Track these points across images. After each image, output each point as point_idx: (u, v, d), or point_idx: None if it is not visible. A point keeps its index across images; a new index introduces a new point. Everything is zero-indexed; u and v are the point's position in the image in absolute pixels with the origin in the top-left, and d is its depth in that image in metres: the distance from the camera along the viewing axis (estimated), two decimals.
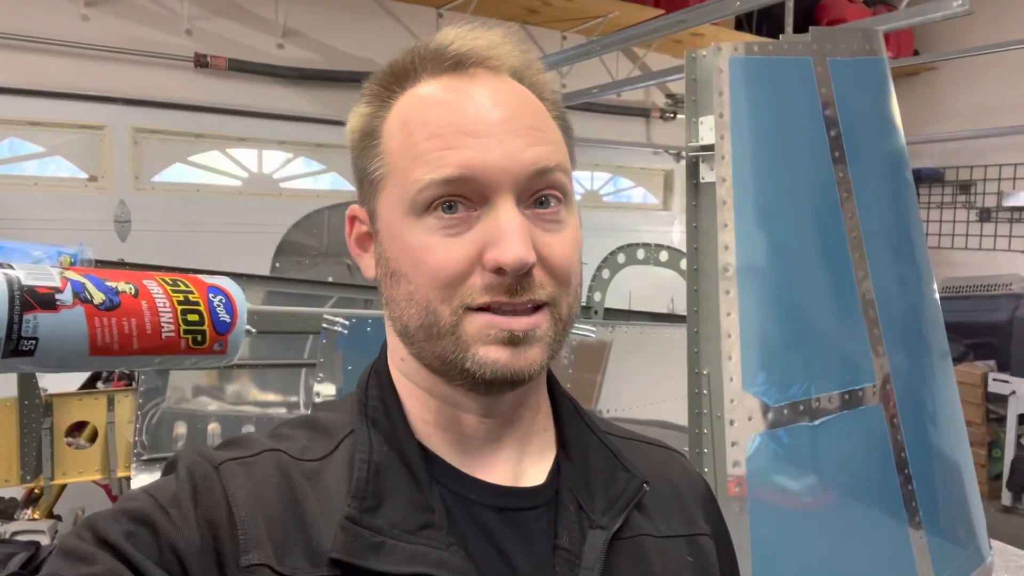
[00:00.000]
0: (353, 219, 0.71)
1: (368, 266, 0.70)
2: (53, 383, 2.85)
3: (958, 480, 1.70)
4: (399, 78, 0.66)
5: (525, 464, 0.69)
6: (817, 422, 1.34)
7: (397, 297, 0.64)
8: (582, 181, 6.78)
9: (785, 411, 1.31)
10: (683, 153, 1.32)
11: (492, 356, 0.60)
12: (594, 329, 2.25)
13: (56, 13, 4.49)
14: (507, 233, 0.59)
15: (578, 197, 6.22)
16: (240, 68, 4.98)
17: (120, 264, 3.32)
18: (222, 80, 4.99)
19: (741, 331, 1.27)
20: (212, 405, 3.08)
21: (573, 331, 2.35)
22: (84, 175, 4.80)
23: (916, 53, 7.19)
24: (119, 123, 4.78)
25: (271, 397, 3.44)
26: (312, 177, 5.60)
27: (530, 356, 0.61)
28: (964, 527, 1.70)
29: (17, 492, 2.90)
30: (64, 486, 2.86)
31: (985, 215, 7.10)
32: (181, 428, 2.90)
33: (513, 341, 0.60)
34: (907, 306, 1.60)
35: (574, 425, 0.73)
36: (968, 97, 7.15)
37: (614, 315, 3.26)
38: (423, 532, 0.60)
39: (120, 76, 4.71)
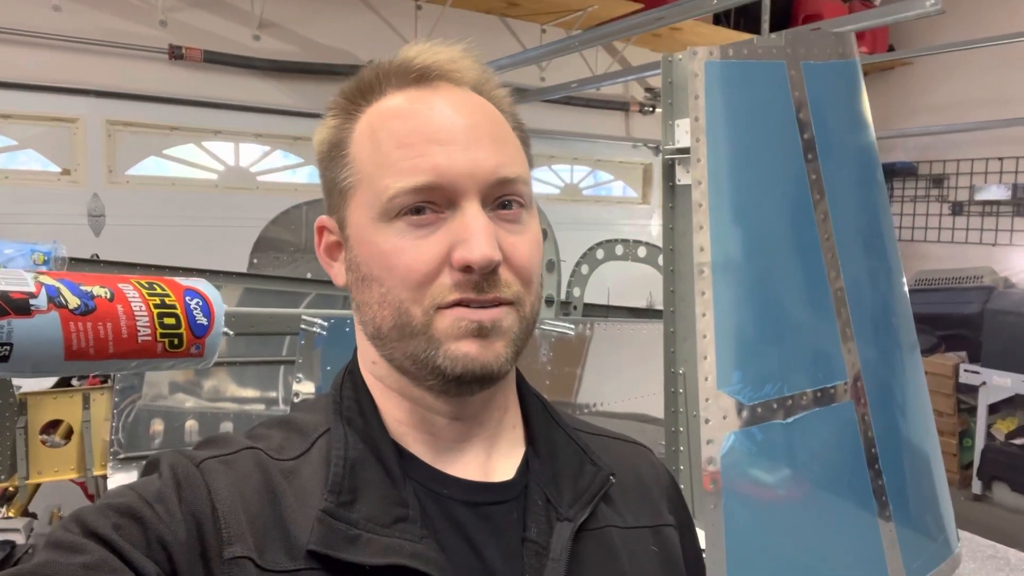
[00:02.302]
0: (322, 229, 0.73)
1: (339, 274, 0.73)
2: (27, 381, 2.81)
3: (927, 473, 1.74)
4: (364, 92, 0.70)
5: (495, 460, 0.72)
6: (790, 420, 1.37)
7: (369, 300, 0.67)
8: (561, 175, 6.79)
9: (759, 409, 1.33)
10: (662, 148, 1.33)
11: (463, 350, 0.63)
12: (572, 327, 2.27)
13: (27, 3, 4.41)
14: (474, 233, 0.62)
15: (557, 191, 6.20)
16: (215, 60, 4.92)
17: (95, 262, 3.28)
18: (197, 72, 4.93)
19: (716, 331, 1.29)
20: (189, 402, 3.06)
21: (551, 328, 2.36)
22: (57, 168, 4.72)
23: (891, 49, 7.27)
24: (92, 116, 4.71)
25: (249, 394, 3.42)
26: (290, 171, 5.56)
27: (497, 349, 0.64)
28: (933, 519, 1.74)
29: None
30: (39, 484, 2.84)
31: (957, 209, 7.22)
32: (158, 425, 2.88)
33: (481, 333, 0.63)
34: (878, 303, 1.63)
35: (542, 422, 0.76)
36: (941, 92, 7.26)
37: (593, 310, 3.28)
38: (397, 525, 0.62)
39: (93, 68, 4.63)
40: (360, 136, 0.68)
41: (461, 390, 0.66)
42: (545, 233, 2.43)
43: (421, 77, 0.68)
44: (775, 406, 1.35)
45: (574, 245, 3.48)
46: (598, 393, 2.78)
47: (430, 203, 0.63)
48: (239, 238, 4.32)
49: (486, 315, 0.63)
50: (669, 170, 1.32)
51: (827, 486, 1.46)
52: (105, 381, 2.90)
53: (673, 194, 1.32)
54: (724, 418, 1.30)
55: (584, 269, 3.19)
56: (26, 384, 2.84)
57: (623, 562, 0.70)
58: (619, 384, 2.79)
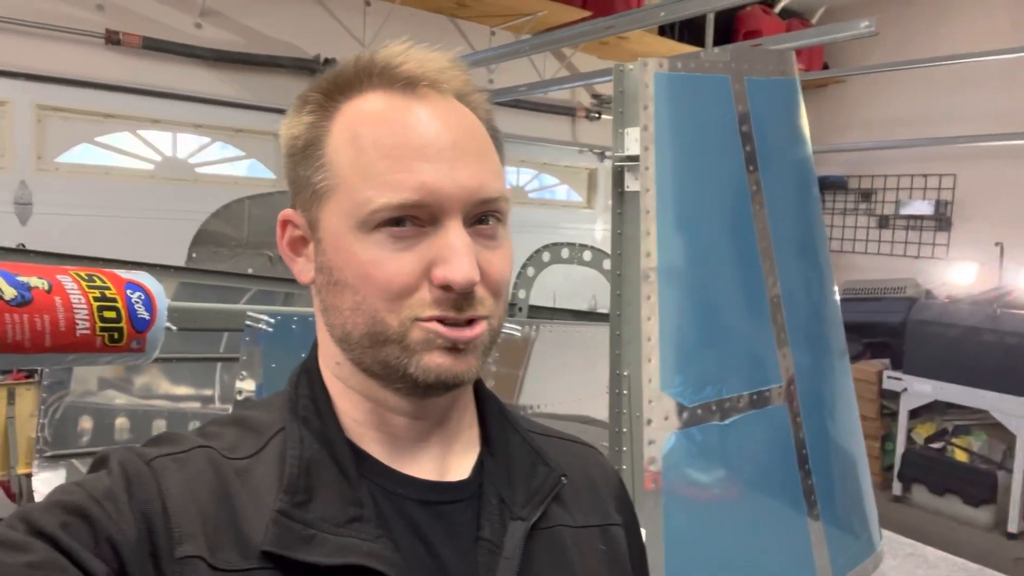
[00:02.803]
0: (286, 223, 0.72)
1: (303, 271, 0.71)
2: None
3: (853, 474, 1.82)
4: (343, 89, 0.68)
5: (450, 460, 0.72)
6: (727, 421, 1.42)
7: (340, 306, 0.66)
8: (508, 177, 6.83)
9: (699, 411, 1.38)
10: (607, 153, 1.36)
11: (436, 361, 0.64)
12: (519, 328, 2.29)
13: None
14: (456, 252, 0.62)
15: None
16: (155, 47, 4.77)
17: (22, 251, 3.14)
18: (135, 58, 4.77)
19: (660, 334, 1.33)
20: (120, 399, 2.96)
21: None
22: None
23: (826, 67, 7.56)
24: (21, 99, 4.51)
25: (183, 391, 3.33)
26: (230, 163, 5.43)
27: (469, 362, 0.65)
28: (858, 518, 1.82)
29: None
30: None
31: (884, 222, 7.55)
32: (87, 423, 2.78)
33: (455, 350, 0.64)
34: (811, 310, 1.70)
35: (497, 423, 0.77)
36: (871, 110, 7.58)
37: (538, 312, 3.31)
38: (352, 525, 0.62)
39: (24, 50, 4.44)
40: (338, 137, 0.66)
41: (428, 393, 0.66)
42: None
43: (408, 84, 0.66)
44: (714, 408, 1.40)
45: (519, 248, 3.50)
46: (541, 394, 2.81)
47: (412, 217, 0.63)
48: (176, 231, 4.20)
49: (462, 336, 0.64)
50: (619, 177, 1.35)
51: (760, 486, 1.52)
52: (31, 376, 2.79)
53: (622, 200, 1.35)
54: (666, 419, 1.33)
55: (530, 271, 3.22)
56: None
57: (573, 560, 0.72)
58: (562, 386, 2.83)
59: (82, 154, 4.83)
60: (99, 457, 0.65)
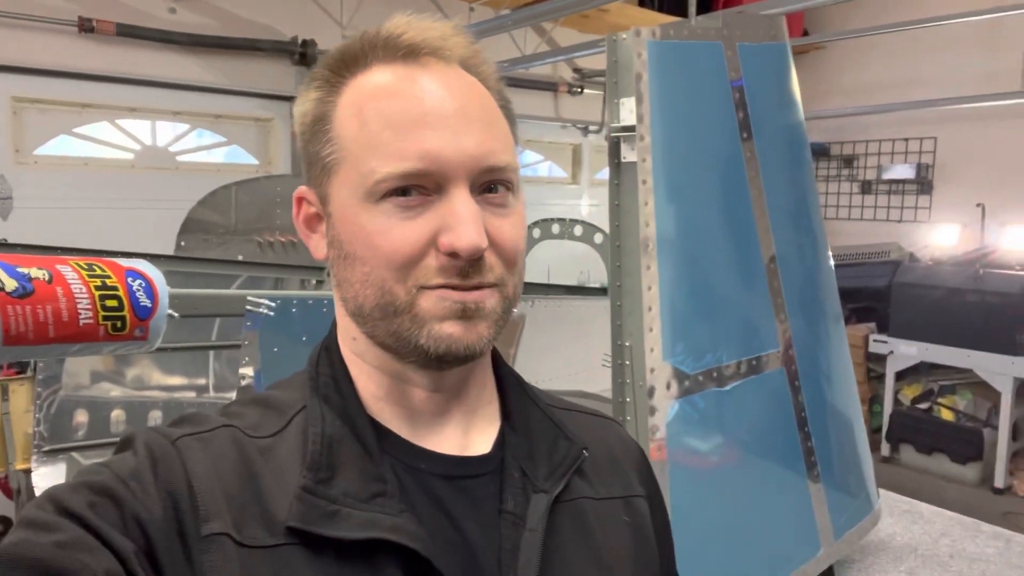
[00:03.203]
0: (301, 200, 0.72)
1: (318, 247, 0.71)
2: None
3: (850, 435, 1.85)
4: (349, 64, 0.67)
5: (472, 435, 0.73)
6: (728, 387, 1.43)
7: (351, 279, 0.66)
8: None
9: (700, 378, 1.39)
10: (590, 128, 1.36)
11: (446, 331, 0.64)
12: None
13: None
14: (462, 219, 0.62)
15: None
16: (129, 33, 4.68)
17: (3, 244, 3.10)
18: (110, 46, 4.68)
19: (661, 304, 1.34)
20: (115, 391, 2.94)
21: None
22: None
23: (805, 33, 7.55)
24: None
25: (177, 380, 3.31)
26: (210, 150, 5.36)
27: (479, 330, 0.65)
28: (856, 478, 1.86)
29: None
30: None
31: (866, 187, 7.60)
32: (82, 416, 2.77)
33: (465, 314, 0.64)
34: (806, 275, 1.72)
35: (518, 398, 0.77)
36: (852, 76, 7.59)
37: (532, 289, 3.32)
38: (376, 500, 0.63)
39: None
40: (344, 111, 0.66)
41: (442, 366, 0.66)
42: None
43: (409, 53, 0.66)
44: (714, 375, 1.41)
45: None
46: (535, 370, 2.83)
47: (417, 186, 0.63)
48: (160, 221, 4.15)
49: (470, 296, 0.63)
50: (615, 148, 1.35)
51: (762, 450, 1.54)
52: (23, 371, 2.76)
53: (619, 171, 1.36)
54: (668, 387, 1.35)
55: None
56: None
57: (596, 532, 0.73)
58: (556, 361, 2.84)
59: (60, 146, 4.75)
60: (125, 438, 0.65)
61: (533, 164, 7.21)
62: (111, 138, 4.92)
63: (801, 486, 1.60)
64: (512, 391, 0.77)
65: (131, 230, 4.52)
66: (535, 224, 3.21)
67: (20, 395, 2.59)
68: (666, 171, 1.35)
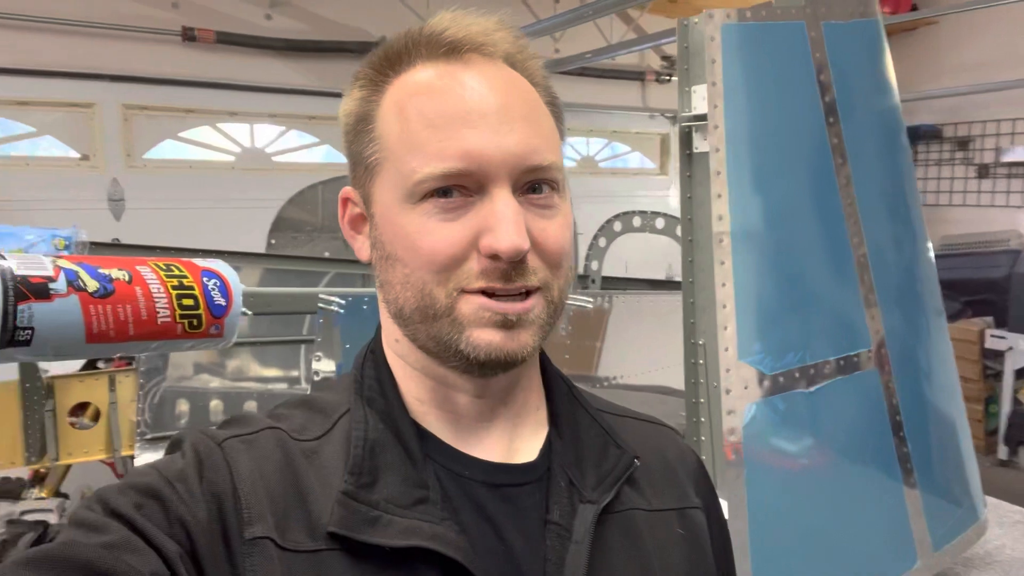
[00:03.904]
0: (346, 201, 0.71)
1: (362, 248, 0.71)
2: (54, 364, 2.86)
3: (953, 439, 1.72)
4: (393, 63, 0.66)
5: (517, 441, 0.70)
6: (813, 389, 1.35)
7: (392, 280, 0.65)
8: (577, 147, 6.73)
9: (781, 379, 1.32)
10: (678, 115, 1.31)
11: (486, 338, 0.62)
12: (591, 300, 2.25)
13: None
14: (503, 220, 0.60)
15: (573, 164, 6.15)
16: (228, 41, 4.91)
17: (115, 247, 3.31)
18: (210, 53, 4.93)
19: (736, 301, 1.27)
20: (213, 382, 3.10)
21: (570, 301, 2.35)
22: (76, 154, 4.76)
23: (914, 8, 7.08)
24: (108, 100, 4.73)
25: (272, 373, 3.46)
26: (305, 150, 5.56)
27: (523, 339, 0.63)
28: (959, 486, 1.72)
29: (23, 472, 2.94)
30: (69, 466, 2.89)
31: (983, 171, 7.06)
32: (183, 406, 2.93)
33: (506, 324, 0.62)
34: (902, 269, 1.60)
35: (566, 403, 0.74)
36: (967, 52, 7.06)
37: (613, 283, 3.26)
38: (417, 507, 0.62)
39: (108, 52, 4.65)
40: (387, 111, 0.65)
41: (484, 372, 0.65)
42: None
43: (452, 50, 0.64)
44: (797, 375, 1.34)
45: (589, 218, 3.45)
46: (618, 366, 2.78)
47: (459, 186, 0.61)
48: (257, 219, 4.34)
49: (512, 308, 0.61)
50: (686, 138, 1.30)
51: (851, 454, 1.45)
52: (130, 363, 2.95)
53: (690, 162, 1.30)
54: (745, 388, 1.28)
55: (602, 242, 3.17)
56: (52, 368, 2.89)
57: (647, 545, 0.69)
58: (639, 357, 2.78)
59: (167, 149, 5.04)
60: (174, 440, 0.66)
61: (621, 155, 7.10)
62: (213, 141, 5.19)
63: (896, 494, 1.49)
64: (560, 396, 0.74)
65: (231, 228, 4.75)
66: (616, 217, 3.15)
67: (126, 386, 2.76)
68: (742, 160, 1.28)
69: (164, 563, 0.54)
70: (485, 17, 0.67)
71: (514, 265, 0.61)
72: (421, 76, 0.65)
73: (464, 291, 0.62)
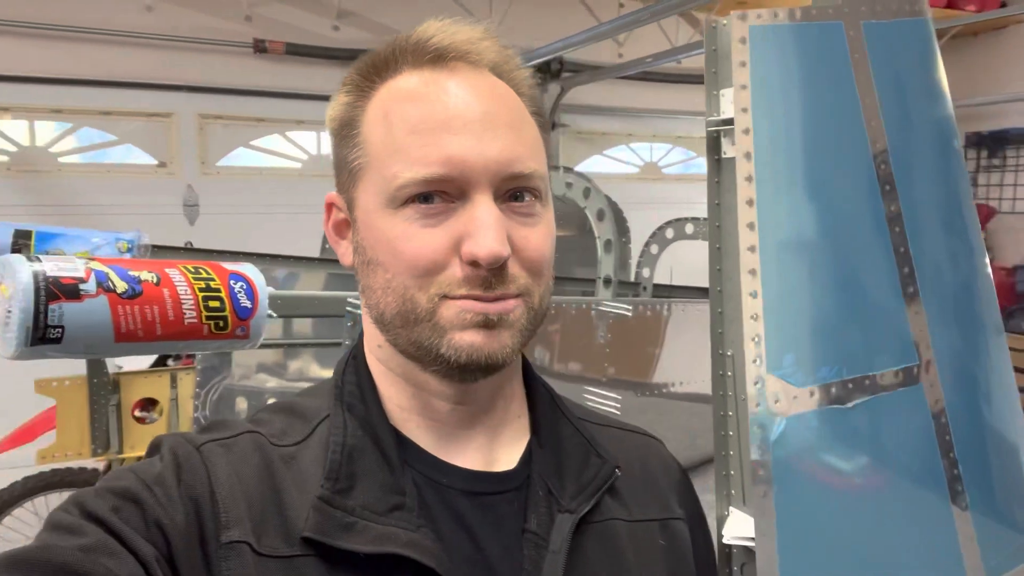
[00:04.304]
0: (331, 206, 0.72)
1: (346, 253, 0.72)
2: (124, 360, 3.01)
3: (1013, 462, 1.61)
4: (379, 69, 0.67)
5: (498, 450, 0.70)
6: (849, 405, 1.29)
7: (374, 285, 0.66)
8: (640, 153, 6.66)
9: (814, 394, 1.26)
10: (706, 119, 1.28)
11: (468, 339, 0.62)
12: (630, 308, 2.22)
13: (122, 5, 4.67)
14: (483, 227, 0.60)
15: (636, 169, 6.06)
16: (297, 52, 5.08)
17: (188, 250, 3.45)
18: (280, 64, 5.10)
19: (767, 311, 1.23)
20: (271, 382, 3.20)
21: (609, 308, 2.32)
22: (154, 161, 5.00)
23: (1003, 5, 6.71)
24: (185, 110, 4.96)
25: (329, 374, 3.54)
26: None
27: (503, 340, 0.63)
28: (1021, 511, 1.61)
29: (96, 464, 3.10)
30: (139, 457, 3.03)
31: None
32: (241, 403, 3.03)
33: (487, 324, 0.62)
34: (956, 283, 1.51)
35: (548, 412, 0.74)
36: None
37: (664, 290, 3.21)
38: (394, 514, 0.62)
39: (184, 64, 4.87)
40: (372, 116, 0.66)
41: (465, 377, 0.65)
42: (602, 213, 2.39)
43: (437, 58, 0.65)
44: (833, 390, 1.28)
45: (643, 224, 3.40)
46: (675, 373, 2.73)
47: (441, 192, 0.62)
48: (321, 224, 4.45)
49: (493, 308, 0.62)
50: (714, 143, 1.26)
51: (892, 476, 1.38)
52: (192, 360, 3.08)
53: (719, 168, 1.26)
54: (776, 402, 1.23)
55: (654, 249, 3.12)
56: (127, 363, 3.04)
57: (627, 555, 0.69)
58: (698, 365, 2.73)
59: (239, 157, 5.24)
60: (153, 443, 0.67)
61: (686, 161, 6.98)
62: (282, 149, 5.37)
63: (945, 519, 1.41)
64: (542, 404, 0.74)
65: (300, 233, 4.89)
66: (668, 224, 3.10)
67: (187, 383, 2.88)
68: (775, 166, 1.24)
69: (141, 566, 0.55)
70: (473, 26, 0.67)
71: (495, 272, 0.61)
72: (406, 83, 0.65)
73: (446, 297, 0.62)
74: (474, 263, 0.61)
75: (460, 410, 0.69)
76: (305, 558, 0.60)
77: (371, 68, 0.68)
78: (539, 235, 0.65)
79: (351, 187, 0.68)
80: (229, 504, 0.60)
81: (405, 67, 0.66)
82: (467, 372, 0.64)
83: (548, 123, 0.72)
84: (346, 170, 0.68)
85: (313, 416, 0.69)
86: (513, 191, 0.63)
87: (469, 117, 0.62)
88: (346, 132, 0.68)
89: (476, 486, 0.67)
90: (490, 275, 0.61)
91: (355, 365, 0.72)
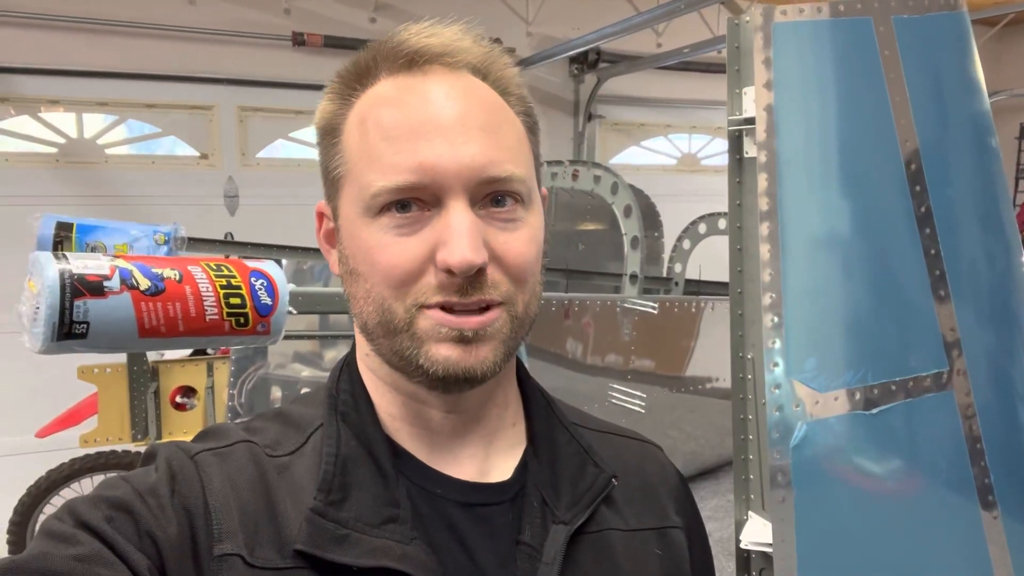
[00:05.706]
0: (321, 215, 0.71)
1: (334, 263, 0.71)
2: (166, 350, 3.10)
3: None
4: (360, 76, 0.66)
5: (492, 459, 0.69)
6: (874, 411, 1.26)
7: (356, 294, 0.65)
8: (679, 144, 6.57)
9: (837, 399, 1.24)
10: (727, 118, 1.26)
11: (444, 353, 0.61)
12: (655, 306, 2.20)
13: (166, 0, 4.76)
14: (455, 234, 0.59)
15: (675, 161, 5.98)
16: (335, 44, 5.12)
17: (226, 243, 3.51)
18: (318, 57, 5.15)
19: (789, 314, 1.21)
20: (305, 371, 3.25)
21: (634, 306, 2.31)
22: (196, 153, 5.11)
23: None
24: (226, 103, 5.05)
25: None
26: None
27: (481, 354, 0.61)
28: None
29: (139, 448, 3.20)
30: None
31: None
32: (276, 392, 3.10)
33: (463, 340, 0.61)
34: (991, 281, 1.46)
35: (544, 420, 0.73)
36: None
37: (698, 285, 3.17)
38: (387, 526, 0.61)
39: (225, 57, 4.95)
40: (351, 124, 0.65)
41: (448, 388, 0.64)
42: (629, 209, 2.36)
43: (411, 62, 0.64)
44: (857, 396, 1.25)
45: (678, 217, 3.35)
46: (709, 368, 2.70)
47: (416, 199, 0.61)
48: None
49: (468, 323, 0.61)
50: (736, 142, 1.24)
51: (918, 484, 1.34)
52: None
53: (740, 168, 1.24)
54: (796, 407, 1.21)
55: (686, 244, 3.08)
56: (169, 352, 3.13)
57: (623, 565, 0.68)
58: (719, 360, 2.70)
59: (278, 149, 5.32)
60: (147, 452, 0.66)
61: (725, 152, 6.87)
62: None
63: (974, 529, 1.37)
64: (538, 412, 0.73)
65: None
66: (700, 219, 3.06)
67: (223, 372, 2.95)
68: (798, 166, 1.21)
69: None
70: (453, 28, 0.66)
71: (470, 279, 0.60)
72: (382, 89, 0.65)
73: (423, 307, 0.61)
74: (448, 271, 0.59)
75: (452, 419, 0.68)
76: (297, 570, 0.59)
77: (352, 76, 0.67)
78: (521, 240, 0.63)
79: (335, 196, 0.67)
80: (222, 515, 0.60)
81: (382, 73, 0.65)
82: (447, 384, 0.63)
83: (536, 123, 0.69)
84: (330, 178, 0.67)
85: (307, 425, 0.68)
86: (493, 195, 0.62)
87: (442, 122, 0.61)
88: (328, 140, 0.67)
89: (470, 497, 0.66)
90: (465, 282, 0.60)
91: (349, 373, 0.71)
